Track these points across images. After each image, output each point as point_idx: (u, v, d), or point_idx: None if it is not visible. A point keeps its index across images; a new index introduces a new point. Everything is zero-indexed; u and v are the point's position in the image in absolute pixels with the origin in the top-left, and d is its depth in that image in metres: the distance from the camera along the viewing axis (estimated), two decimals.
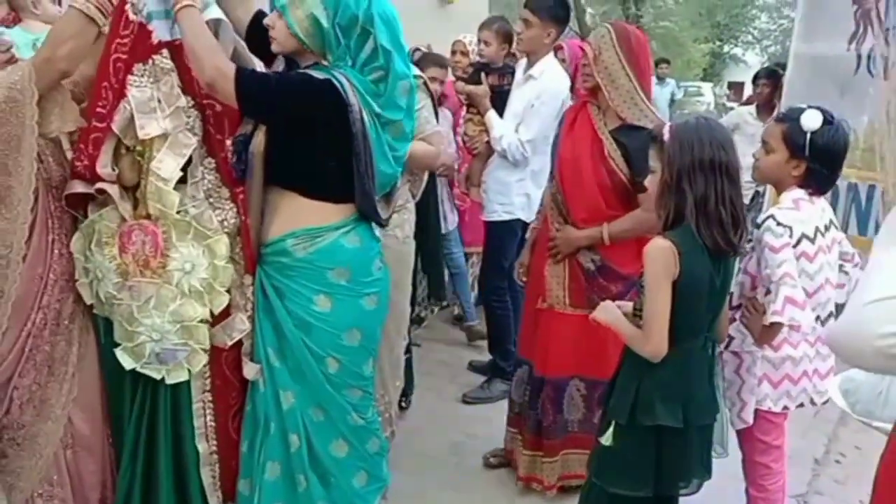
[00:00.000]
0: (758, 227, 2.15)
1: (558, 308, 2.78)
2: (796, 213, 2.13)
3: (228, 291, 2.12)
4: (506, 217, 3.65)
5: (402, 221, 2.84)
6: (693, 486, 2.08)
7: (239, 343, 2.16)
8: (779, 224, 2.09)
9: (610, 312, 2.06)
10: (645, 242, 2.57)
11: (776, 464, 2.33)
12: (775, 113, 4.87)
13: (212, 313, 2.09)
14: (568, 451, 2.86)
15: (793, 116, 2.14)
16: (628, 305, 2.10)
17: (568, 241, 2.72)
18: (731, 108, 10.21)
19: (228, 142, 2.07)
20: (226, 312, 2.13)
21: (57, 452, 2.09)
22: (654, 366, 1.93)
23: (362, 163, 2.07)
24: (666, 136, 1.92)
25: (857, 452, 3.25)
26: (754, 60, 25.69)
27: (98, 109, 1.99)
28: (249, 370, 2.17)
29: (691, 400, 1.97)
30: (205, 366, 2.14)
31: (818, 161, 2.11)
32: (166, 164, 1.97)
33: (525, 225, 3.50)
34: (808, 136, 2.08)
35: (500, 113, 3.60)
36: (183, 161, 2.00)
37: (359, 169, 2.07)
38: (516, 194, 3.62)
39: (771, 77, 5.11)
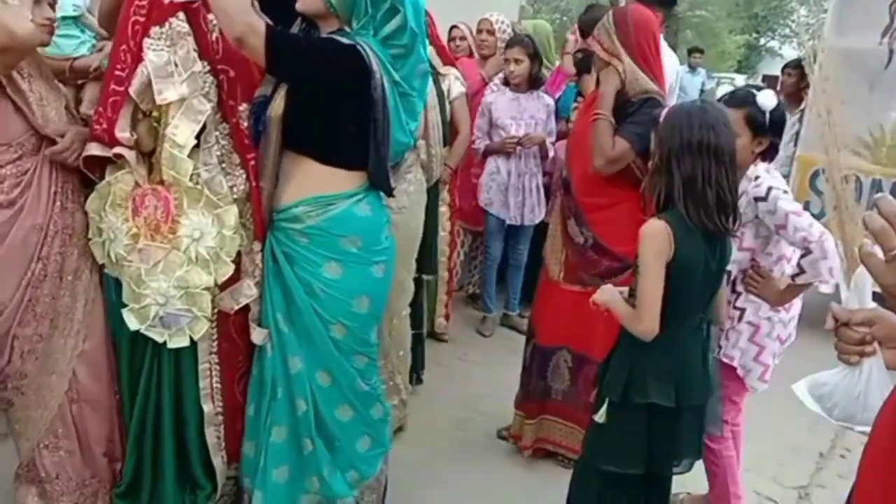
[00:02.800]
0: (759, 200, 2.18)
1: (553, 280, 2.87)
2: (779, 180, 2.21)
3: (235, 262, 2.12)
4: None
5: (399, 192, 2.80)
6: (685, 465, 2.09)
7: (247, 307, 2.17)
8: (784, 191, 2.15)
9: (608, 293, 2.06)
10: (638, 223, 2.66)
11: (743, 401, 2.48)
12: (802, 105, 4.77)
13: (216, 282, 2.10)
14: (546, 416, 2.96)
15: (749, 100, 2.19)
16: (626, 289, 2.09)
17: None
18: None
19: (242, 107, 2.06)
20: (234, 277, 2.13)
21: (62, 405, 2.12)
22: (648, 345, 1.93)
23: (380, 130, 2.06)
24: (661, 119, 1.94)
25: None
26: (791, 54, 25.05)
27: (116, 73, 1.98)
28: (257, 335, 2.18)
29: (684, 380, 1.97)
30: (212, 328, 2.15)
31: (777, 134, 2.21)
32: (181, 131, 1.96)
33: None
34: (767, 114, 2.16)
35: None
36: (198, 127, 1.99)
37: (376, 136, 2.06)
38: None
39: (799, 67, 4.98)
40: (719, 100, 2.30)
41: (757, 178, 2.20)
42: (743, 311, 2.33)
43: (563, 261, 2.83)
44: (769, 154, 2.25)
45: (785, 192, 2.17)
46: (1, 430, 2.25)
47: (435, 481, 2.82)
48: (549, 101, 4.03)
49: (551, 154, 4.06)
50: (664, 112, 1.96)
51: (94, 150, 2.03)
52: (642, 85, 2.59)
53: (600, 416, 2.02)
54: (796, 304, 2.36)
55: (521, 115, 3.91)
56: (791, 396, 2.31)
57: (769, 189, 2.16)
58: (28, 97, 1.95)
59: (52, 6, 2.09)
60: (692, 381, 1.99)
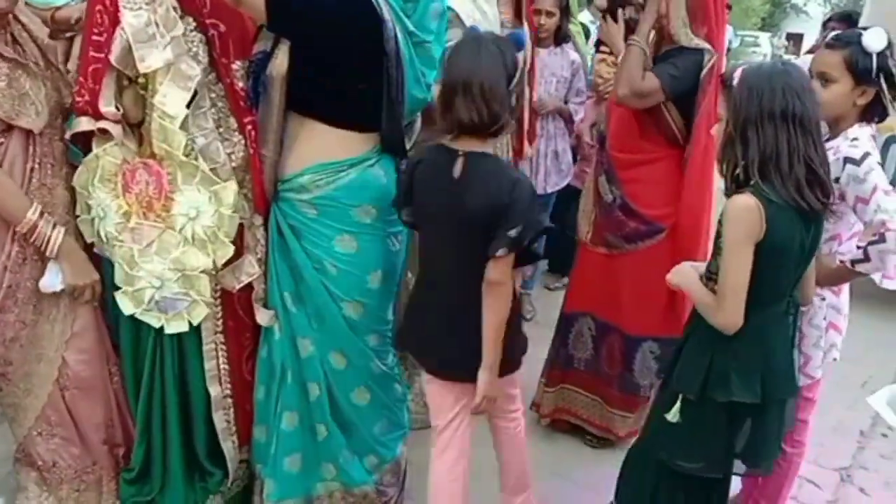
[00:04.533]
0: (850, 162, 1.82)
1: (582, 241, 2.67)
2: (877, 152, 1.84)
3: (234, 243, 1.90)
4: None
5: None
6: (764, 466, 1.80)
7: (252, 284, 1.96)
8: (879, 163, 1.81)
9: (684, 275, 1.77)
10: (671, 185, 2.44)
11: (811, 417, 2.18)
12: None
13: (214, 264, 1.88)
14: (567, 385, 2.76)
15: (852, 40, 1.84)
16: (702, 266, 1.79)
17: None
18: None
19: (236, 65, 1.82)
20: (236, 253, 1.92)
21: (53, 393, 1.95)
22: (730, 336, 1.65)
23: (394, 86, 1.83)
24: (735, 82, 1.61)
25: None
26: (816, 11, 24.07)
27: (94, 37, 1.73)
28: (263, 317, 1.98)
29: (771, 372, 1.68)
30: (216, 306, 1.96)
31: (889, 84, 1.83)
32: (171, 99, 1.73)
33: None
34: (875, 57, 1.80)
35: None
36: (189, 94, 1.76)
37: (389, 93, 1.84)
38: None
39: (844, 21, 4.55)
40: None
41: (855, 139, 1.85)
42: None
43: (593, 220, 2.61)
44: (873, 112, 1.89)
45: (880, 164, 1.83)
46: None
47: None
48: (576, 57, 3.63)
49: (578, 116, 3.69)
50: (737, 72, 1.63)
51: (84, 125, 1.81)
52: (690, 39, 2.30)
53: (673, 415, 1.74)
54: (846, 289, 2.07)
55: (541, 72, 3.47)
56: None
57: (866, 154, 1.82)
58: None
59: None
60: (779, 372, 1.70)
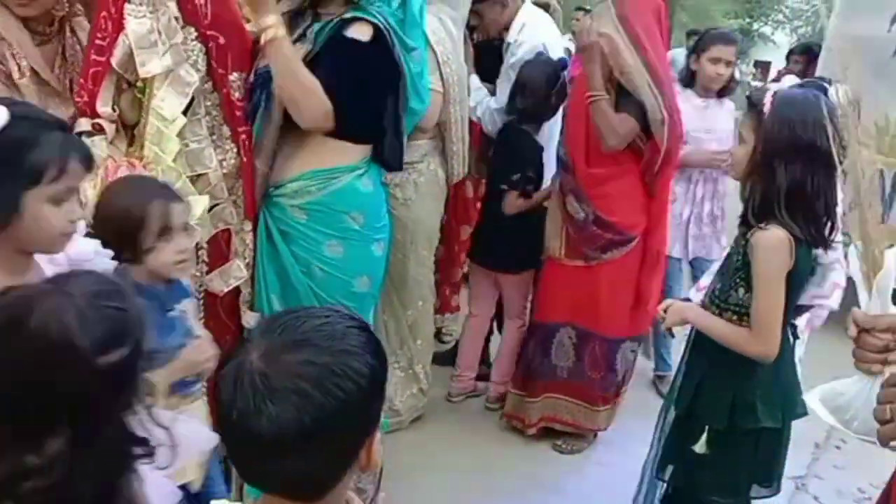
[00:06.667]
0: None
1: (555, 257, 2.74)
2: None
3: (221, 248, 1.91)
4: None
5: (404, 181, 2.54)
6: (775, 487, 1.84)
7: (237, 287, 1.98)
8: None
9: (697, 315, 1.78)
10: (638, 197, 2.59)
11: None
12: None
13: None
14: (551, 394, 2.81)
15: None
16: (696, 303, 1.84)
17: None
18: (756, 88, 9.73)
19: (233, 76, 1.85)
20: (224, 258, 1.94)
21: None
22: (754, 366, 1.67)
23: (400, 102, 1.93)
24: (766, 106, 1.60)
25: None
26: (783, 40, 24.54)
27: (97, 42, 1.75)
28: (249, 319, 2.00)
29: (787, 396, 1.73)
30: (200, 307, 1.95)
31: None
32: (168, 104, 1.75)
33: None
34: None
35: None
36: (186, 100, 1.78)
37: (396, 109, 1.93)
38: None
39: (805, 54, 4.72)
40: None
41: None
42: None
43: (564, 237, 2.71)
44: None
45: None
46: None
47: (432, 464, 2.69)
48: None
49: None
50: (768, 96, 1.60)
51: (83, 125, 1.81)
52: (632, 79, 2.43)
53: (701, 447, 1.74)
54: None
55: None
56: None
57: None
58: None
59: None
60: (791, 394, 1.74)
